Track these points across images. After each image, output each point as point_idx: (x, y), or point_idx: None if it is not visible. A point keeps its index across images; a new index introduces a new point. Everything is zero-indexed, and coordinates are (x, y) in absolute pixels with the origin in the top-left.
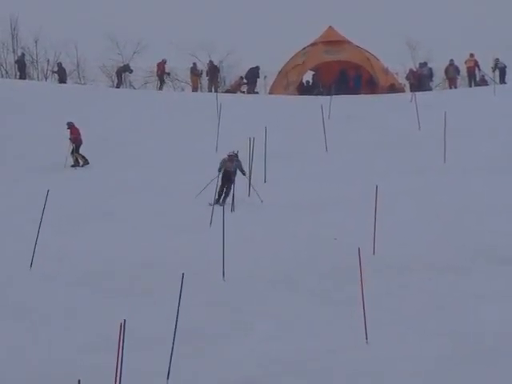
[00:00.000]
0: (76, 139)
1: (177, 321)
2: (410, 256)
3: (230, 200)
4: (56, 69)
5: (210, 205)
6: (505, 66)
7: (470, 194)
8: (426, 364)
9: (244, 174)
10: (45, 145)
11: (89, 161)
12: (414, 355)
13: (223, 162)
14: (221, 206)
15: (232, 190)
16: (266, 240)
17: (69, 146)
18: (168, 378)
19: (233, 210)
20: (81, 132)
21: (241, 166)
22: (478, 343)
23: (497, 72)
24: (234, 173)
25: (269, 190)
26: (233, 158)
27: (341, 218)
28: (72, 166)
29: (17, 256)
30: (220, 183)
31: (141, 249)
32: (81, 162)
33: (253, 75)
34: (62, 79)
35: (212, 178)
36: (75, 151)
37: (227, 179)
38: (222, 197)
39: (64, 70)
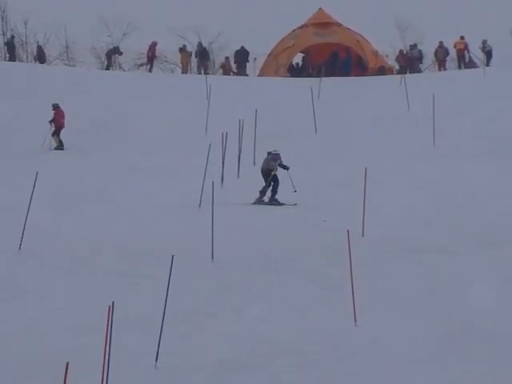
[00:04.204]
0: (58, 122)
1: (166, 302)
2: (400, 238)
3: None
4: (35, 53)
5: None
6: (491, 49)
7: (459, 176)
8: (415, 346)
9: (287, 169)
10: (33, 127)
11: (63, 148)
12: (403, 337)
13: (267, 162)
14: (267, 204)
15: (277, 187)
16: (255, 222)
17: (50, 128)
18: (156, 360)
19: (221, 190)
20: (66, 116)
21: (282, 164)
22: (468, 326)
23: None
24: (276, 170)
25: (258, 172)
26: (276, 157)
27: (330, 199)
28: (55, 148)
29: (6, 237)
30: (265, 182)
31: (130, 231)
32: (56, 145)
33: (241, 57)
34: (42, 61)
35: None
36: (56, 134)
37: (271, 177)
38: (271, 195)
39: (43, 52)
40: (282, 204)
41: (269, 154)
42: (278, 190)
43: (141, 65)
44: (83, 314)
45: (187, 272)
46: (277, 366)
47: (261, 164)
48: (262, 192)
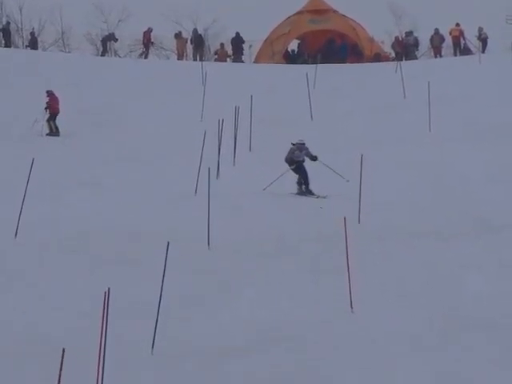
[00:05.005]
0: (53, 108)
1: (162, 289)
2: (396, 224)
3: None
4: (28, 40)
5: (298, 193)
6: (487, 37)
7: (455, 163)
8: (411, 332)
9: (315, 159)
10: (27, 113)
11: (59, 134)
12: (400, 323)
13: (291, 152)
14: (306, 195)
15: (308, 178)
16: (251, 208)
17: (45, 114)
18: (153, 347)
19: (218, 178)
20: (60, 102)
21: (309, 154)
22: (464, 311)
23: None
24: (303, 160)
25: (254, 159)
26: (302, 146)
27: (326, 186)
28: (47, 134)
29: (1, 224)
30: (296, 174)
31: (126, 218)
32: (52, 130)
33: (236, 44)
34: (34, 47)
35: (284, 171)
36: (51, 120)
37: (297, 169)
38: (304, 187)
39: (36, 39)
40: (318, 196)
41: (294, 144)
42: (309, 181)
43: (141, 54)
44: (79, 300)
45: (183, 259)
46: (273, 352)
47: (286, 155)
48: (299, 183)
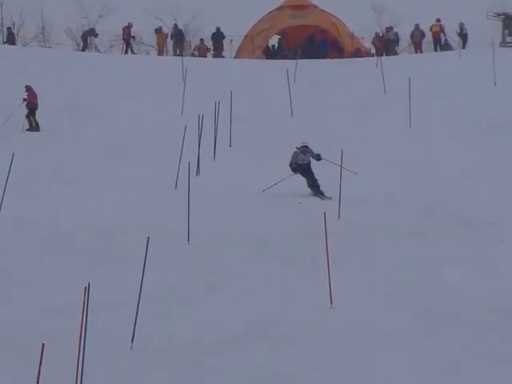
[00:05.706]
0: (32, 103)
1: (142, 284)
2: (376, 221)
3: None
4: (6, 36)
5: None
6: (467, 33)
7: (436, 158)
8: (390, 328)
9: (319, 158)
10: (7, 109)
11: (40, 129)
12: (379, 319)
13: (295, 155)
14: (320, 197)
15: (316, 179)
16: (232, 204)
17: (25, 110)
18: (132, 342)
19: (198, 173)
20: (40, 97)
21: (314, 154)
22: (444, 308)
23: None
24: (309, 163)
25: (234, 154)
26: (305, 150)
27: (306, 182)
28: (27, 129)
29: None
30: (304, 178)
31: (105, 213)
32: (32, 126)
33: (217, 40)
34: (12, 43)
35: (286, 176)
36: (30, 115)
37: (304, 172)
38: (315, 189)
39: (13, 35)
40: (324, 198)
41: (298, 148)
42: (319, 183)
43: (126, 51)
44: (59, 295)
45: (163, 254)
46: (252, 349)
47: (291, 159)
48: (310, 186)
